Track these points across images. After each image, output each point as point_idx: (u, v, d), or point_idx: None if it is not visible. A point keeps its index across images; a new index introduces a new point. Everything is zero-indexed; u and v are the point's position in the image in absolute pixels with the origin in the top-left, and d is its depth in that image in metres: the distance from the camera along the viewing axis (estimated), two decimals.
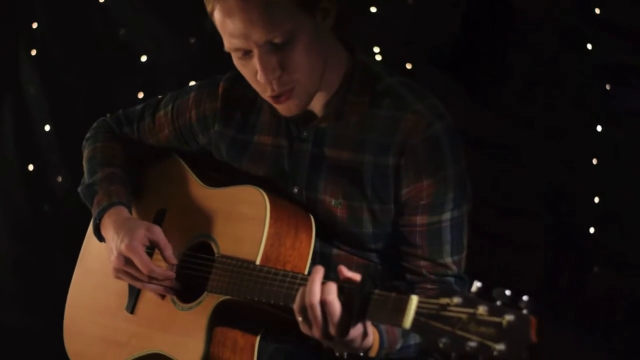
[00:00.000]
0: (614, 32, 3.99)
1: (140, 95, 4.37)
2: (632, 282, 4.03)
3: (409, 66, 4.12)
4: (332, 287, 2.39)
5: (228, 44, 2.64)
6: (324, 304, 2.38)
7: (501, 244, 4.10)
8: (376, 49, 4.13)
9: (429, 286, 2.75)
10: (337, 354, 2.49)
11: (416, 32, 4.10)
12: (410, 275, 2.78)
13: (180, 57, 4.39)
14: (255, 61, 2.62)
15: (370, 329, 2.47)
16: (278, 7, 2.56)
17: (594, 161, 4.05)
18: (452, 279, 2.78)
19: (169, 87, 4.20)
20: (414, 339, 2.72)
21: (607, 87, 3.99)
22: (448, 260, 2.76)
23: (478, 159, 3.92)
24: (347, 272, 2.44)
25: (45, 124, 4.50)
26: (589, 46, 4.00)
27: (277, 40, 2.58)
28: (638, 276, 4.02)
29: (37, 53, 4.48)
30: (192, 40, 4.37)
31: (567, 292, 4.10)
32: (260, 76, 2.63)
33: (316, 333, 2.43)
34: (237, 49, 2.64)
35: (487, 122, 4.07)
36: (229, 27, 2.60)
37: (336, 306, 2.38)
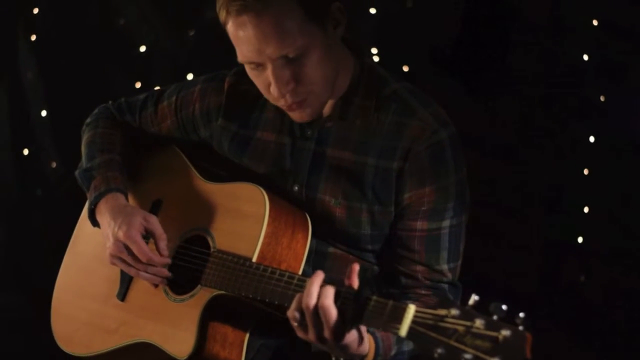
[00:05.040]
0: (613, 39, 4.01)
1: (138, 85, 4.38)
2: (630, 283, 4.06)
3: (405, 68, 4.14)
4: (330, 292, 2.40)
5: (241, 56, 2.66)
6: (320, 308, 2.39)
7: (501, 244, 4.13)
8: (374, 50, 4.16)
9: (423, 292, 2.78)
10: (333, 358, 2.51)
11: (416, 33, 4.12)
12: (405, 279, 2.80)
13: (179, 49, 4.40)
14: (269, 74, 2.64)
15: (366, 336, 2.49)
16: (290, 22, 2.58)
17: (585, 171, 4.08)
18: (446, 286, 2.81)
19: (166, 78, 4.23)
20: (408, 346, 2.73)
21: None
22: (444, 267, 2.79)
23: (478, 158, 3.95)
24: (350, 277, 2.43)
25: (42, 109, 4.51)
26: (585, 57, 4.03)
27: (290, 55, 2.60)
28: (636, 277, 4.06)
29: (36, 38, 4.48)
30: (191, 33, 4.37)
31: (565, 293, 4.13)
32: (273, 89, 2.66)
33: (311, 337, 2.44)
34: (250, 62, 2.66)
35: (486, 122, 4.09)
36: (243, 41, 2.62)
37: (332, 311, 2.39)
